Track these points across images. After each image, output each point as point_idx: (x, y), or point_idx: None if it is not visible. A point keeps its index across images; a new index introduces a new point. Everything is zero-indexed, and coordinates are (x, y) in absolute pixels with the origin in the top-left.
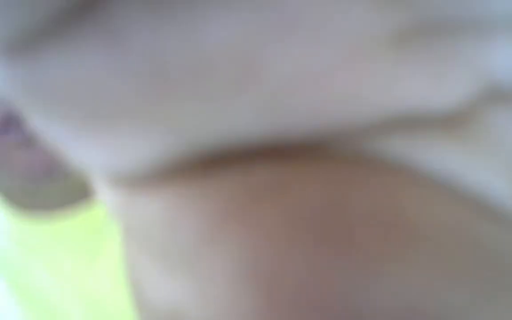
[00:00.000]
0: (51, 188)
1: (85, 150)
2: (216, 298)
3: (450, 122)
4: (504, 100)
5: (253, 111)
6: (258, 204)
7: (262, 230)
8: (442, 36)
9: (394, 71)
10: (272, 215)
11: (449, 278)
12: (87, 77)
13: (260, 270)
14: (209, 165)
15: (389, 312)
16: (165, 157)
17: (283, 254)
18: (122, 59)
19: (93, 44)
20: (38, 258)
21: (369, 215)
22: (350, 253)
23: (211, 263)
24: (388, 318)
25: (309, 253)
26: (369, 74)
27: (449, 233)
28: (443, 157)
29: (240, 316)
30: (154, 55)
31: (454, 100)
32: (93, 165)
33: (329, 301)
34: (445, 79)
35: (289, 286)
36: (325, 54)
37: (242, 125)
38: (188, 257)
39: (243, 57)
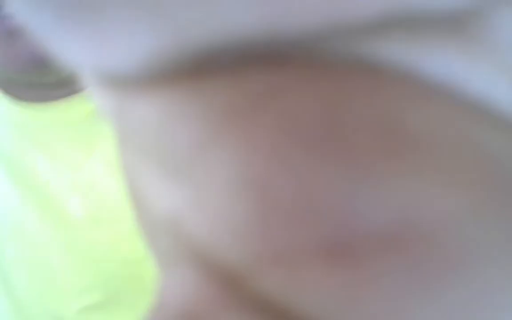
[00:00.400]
0: (44, 79)
1: (68, 44)
2: (211, 205)
3: (454, 22)
4: None
5: (244, 4)
6: (253, 111)
7: (257, 137)
8: None
9: None
10: (268, 122)
11: (447, 186)
12: None
13: (254, 177)
14: (204, 69)
15: (381, 223)
16: (156, 55)
17: (278, 162)
18: None
19: None
20: (36, 145)
21: (365, 124)
22: (344, 162)
23: (206, 169)
24: (380, 230)
25: (303, 161)
26: None
27: (449, 142)
28: (446, 61)
29: (234, 222)
30: None
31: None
32: (78, 61)
33: (320, 208)
34: None
35: (282, 193)
36: None
37: (234, 20)
38: (184, 163)
39: None
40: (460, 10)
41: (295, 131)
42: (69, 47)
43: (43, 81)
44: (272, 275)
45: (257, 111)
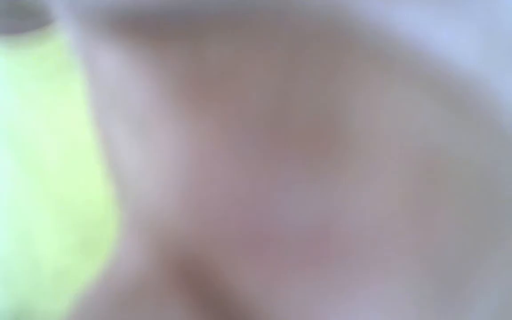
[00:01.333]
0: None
1: None
2: (163, 170)
3: None
4: None
5: None
6: (207, 90)
7: (205, 120)
8: None
9: None
10: (218, 107)
11: (373, 192)
12: None
13: (198, 159)
14: (165, 30)
15: (301, 223)
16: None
17: (219, 157)
18: None
19: None
20: (9, 85)
21: (309, 120)
22: (279, 160)
23: (159, 135)
24: (299, 229)
25: (241, 152)
26: None
27: (389, 144)
28: (413, 12)
29: (180, 197)
30: None
31: None
32: None
33: (248, 200)
34: None
35: (218, 181)
36: None
37: None
38: (140, 122)
39: None
40: None
41: (240, 122)
42: None
43: (14, 8)
44: (211, 259)
45: (210, 90)
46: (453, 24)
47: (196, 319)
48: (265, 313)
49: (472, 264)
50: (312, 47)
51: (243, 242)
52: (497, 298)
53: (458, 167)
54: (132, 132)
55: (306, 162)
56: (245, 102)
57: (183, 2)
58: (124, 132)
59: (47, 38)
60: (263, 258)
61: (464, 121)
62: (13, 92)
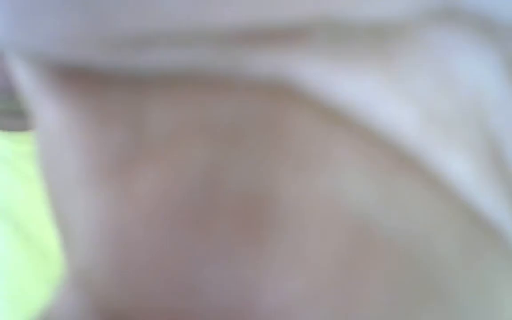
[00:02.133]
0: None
1: None
2: (87, 238)
3: (379, 36)
4: (449, 20)
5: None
6: (144, 160)
7: (136, 196)
8: None
9: None
10: (151, 177)
11: (295, 272)
12: None
13: (121, 233)
14: (112, 82)
15: (221, 303)
16: (72, 36)
17: (147, 223)
18: None
19: None
20: (15, 175)
21: (240, 203)
22: (204, 239)
23: (91, 197)
24: (219, 308)
25: (168, 229)
26: None
27: (314, 220)
28: (359, 82)
29: (104, 265)
30: None
31: (389, 10)
32: (5, 35)
33: (170, 275)
34: None
35: (143, 254)
36: None
37: (151, 8)
38: (76, 183)
39: None
40: (384, 21)
41: (172, 191)
42: None
43: (12, 108)
44: None
45: (148, 156)
46: (393, 99)
47: None
48: None
49: None
50: (251, 122)
51: (164, 313)
52: None
53: (391, 239)
54: (67, 188)
55: (233, 239)
56: (179, 172)
57: (126, 59)
58: (62, 186)
59: None
60: None
61: (401, 191)
62: (20, 182)
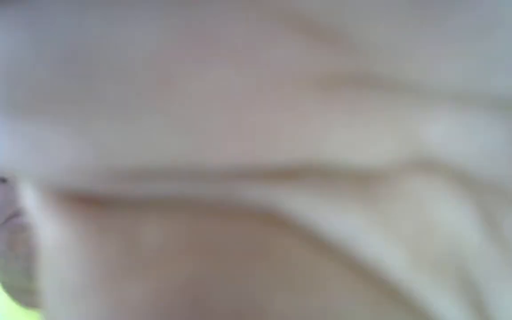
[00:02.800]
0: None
1: (2, 142)
2: None
3: (365, 181)
4: (431, 171)
5: (161, 130)
6: (136, 274)
7: (126, 308)
8: (376, 92)
9: (315, 114)
10: (142, 293)
11: None
12: (7, 57)
13: None
14: (117, 192)
15: None
16: (78, 167)
17: None
18: (44, 41)
19: (16, 21)
20: None
21: (225, 314)
22: None
23: (83, 313)
24: None
25: None
26: (287, 112)
27: None
28: (350, 221)
29: None
30: (77, 43)
31: (376, 159)
32: (10, 159)
33: None
34: (370, 134)
35: None
36: (244, 83)
37: (151, 143)
38: (72, 296)
39: (160, 69)
40: (376, 170)
41: (159, 306)
42: (2, 145)
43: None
44: None
45: (135, 276)
46: (379, 238)
47: None
48: None
49: None
50: (239, 240)
51: None
52: None
53: None
54: (64, 300)
55: None
56: (168, 284)
57: (126, 189)
58: (59, 299)
59: None
60: None
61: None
62: None
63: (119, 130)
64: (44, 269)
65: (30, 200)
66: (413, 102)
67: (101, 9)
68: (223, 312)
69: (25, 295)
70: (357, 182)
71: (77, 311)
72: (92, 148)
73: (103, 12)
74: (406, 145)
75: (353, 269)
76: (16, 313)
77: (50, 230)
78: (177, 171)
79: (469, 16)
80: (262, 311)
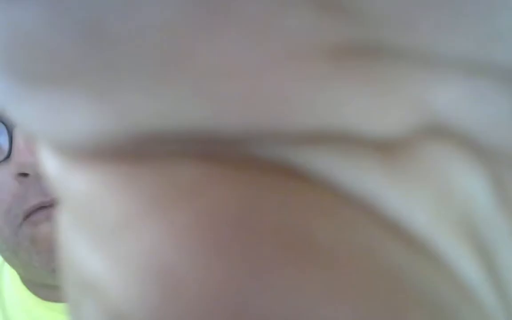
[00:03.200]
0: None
1: (24, 110)
2: (128, 282)
3: (383, 147)
4: (443, 138)
5: (181, 98)
6: (176, 204)
7: (177, 229)
8: (386, 61)
9: (329, 83)
10: (190, 215)
11: (335, 298)
12: (24, 29)
13: (167, 268)
14: (142, 150)
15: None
16: (100, 132)
17: (191, 258)
18: (61, 12)
19: None
20: None
21: (274, 230)
22: (246, 267)
23: (129, 247)
24: None
25: (213, 260)
26: (302, 81)
27: (350, 254)
28: (370, 180)
29: (144, 306)
30: (95, 15)
31: (390, 127)
32: (32, 126)
33: (224, 307)
34: (383, 104)
35: (189, 289)
36: (257, 52)
37: (172, 110)
38: (111, 235)
39: (176, 39)
40: (391, 138)
41: (209, 231)
42: (24, 112)
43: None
44: None
45: (180, 204)
46: (400, 198)
47: None
48: None
49: None
50: (273, 182)
51: None
52: None
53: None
54: (98, 243)
55: (270, 273)
56: (211, 221)
57: (156, 134)
58: (87, 243)
59: None
60: None
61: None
62: None
63: (139, 98)
64: (72, 223)
65: (51, 162)
66: (421, 69)
67: None
68: (270, 232)
69: (46, 290)
70: (375, 148)
71: (115, 253)
72: (114, 115)
73: None
74: (417, 111)
75: (380, 220)
76: (37, 307)
77: (77, 183)
78: (198, 135)
79: None
80: (307, 237)
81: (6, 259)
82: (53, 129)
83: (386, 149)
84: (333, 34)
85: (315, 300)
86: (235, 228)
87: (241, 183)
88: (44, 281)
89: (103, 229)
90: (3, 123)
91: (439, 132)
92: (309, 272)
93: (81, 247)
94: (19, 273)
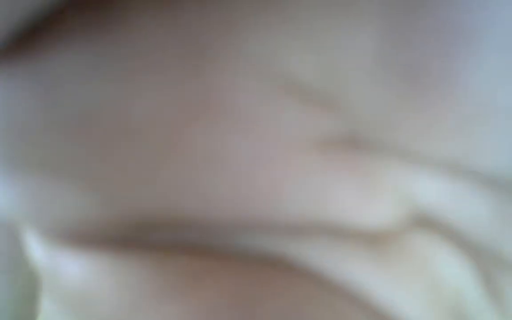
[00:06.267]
0: None
1: (9, 195)
2: None
3: (371, 239)
4: (430, 230)
5: (172, 188)
6: (169, 297)
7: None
8: (372, 154)
9: (317, 175)
10: (180, 311)
11: None
12: (12, 116)
13: None
14: (132, 238)
15: None
16: (86, 221)
17: None
18: (50, 104)
19: (22, 82)
20: None
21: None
22: None
23: None
24: None
25: None
26: (292, 172)
27: None
28: (360, 273)
29: None
30: (84, 107)
31: (378, 220)
32: (16, 211)
33: None
34: (370, 196)
35: None
36: (250, 146)
37: (163, 200)
38: None
39: (167, 134)
40: (379, 229)
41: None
42: (7, 199)
43: None
44: None
45: (174, 299)
46: (390, 291)
47: None
48: None
49: None
50: (268, 274)
51: None
52: None
53: None
54: None
55: None
56: (209, 314)
57: (138, 236)
58: None
59: None
60: None
61: None
62: None
63: (125, 190)
64: (60, 311)
65: (37, 249)
66: (406, 163)
67: (113, 77)
68: None
69: None
70: (364, 241)
71: None
72: (100, 206)
73: (116, 83)
74: (404, 204)
75: (368, 313)
76: None
77: (66, 273)
78: (185, 224)
79: (462, 104)
80: None
81: None
82: (36, 214)
83: (374, 241)
84: (318, 127)
85: None
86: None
87: (230, 282)
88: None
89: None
90: None
91: (425, 224)
92: None
93: None
94: None
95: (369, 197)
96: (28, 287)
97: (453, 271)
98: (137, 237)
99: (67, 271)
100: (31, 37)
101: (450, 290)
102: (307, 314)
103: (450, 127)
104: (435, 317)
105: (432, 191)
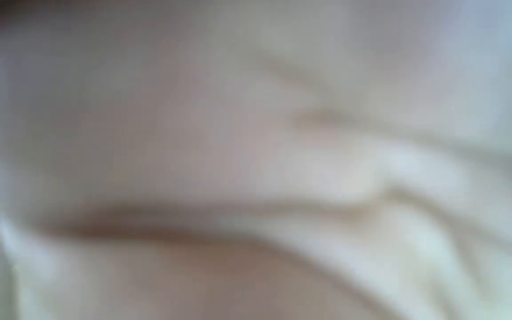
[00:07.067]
0: None
1: None
2: None
3: (347, 215)
4: (404, 202)
5: (143, 169)
6: (142, 291)
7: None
8: (347, 129)
9: (293, 151)
10: (153, 304)
11: None
12: None
13: None
14: (102, 225)
15: None
16: (58, 208)
17: None
18: (15, 80)
19: None
20: None
21: (246, 314)
22: None
23: None
24: None
25: None
26: (268, 149)
27: None
28: (337, 250)
29: None
30: (54, 89)
31: (353, 194)
32: None
33: None
34: (345, 171)
35: None
36: (224, 122)
37: (134, 182)
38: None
39: (139, 111)
40: (354, 204)
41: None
42: None
43: None
44: None
45: (145, 291)
46: (368, 265)
47: None
48: None
49: None
50: (243, 261)
51: None
52: None
53: None
54: None
55: None
56: (179, 307)
57: (111, 224)
58: None
59: None
60: None
61: None
62: None
63: (97, 172)
64: (35, 300)
65: (11, 240)
66: (381, 137)
67: (80, 55)
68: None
69: None
70: (341, 218)
71: None
72: (71, 189)
73: (81, 58)
74: (380, 177)
75: (348, 292)
76: None
77: (45, 263)
78: (161, 207)
79: (435, 74)
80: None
81: None
82: (9, 201)
83: (352, 217)
84: (293, 102)
85: None
86: (207, 314)
87: (207, 270)
88: None
89: (69, 314)
90: None
91: (401, 197)
92: None
93: None
94: None
95: (345, 170)
96: (4, 287)
97: (430, 243)
98: (111, 224)
99: (40, 263)
100: None
101: (425, 262)
102: (288, 300)
103: (423, 97)
104: (411, 291)
105: (407, 163)
